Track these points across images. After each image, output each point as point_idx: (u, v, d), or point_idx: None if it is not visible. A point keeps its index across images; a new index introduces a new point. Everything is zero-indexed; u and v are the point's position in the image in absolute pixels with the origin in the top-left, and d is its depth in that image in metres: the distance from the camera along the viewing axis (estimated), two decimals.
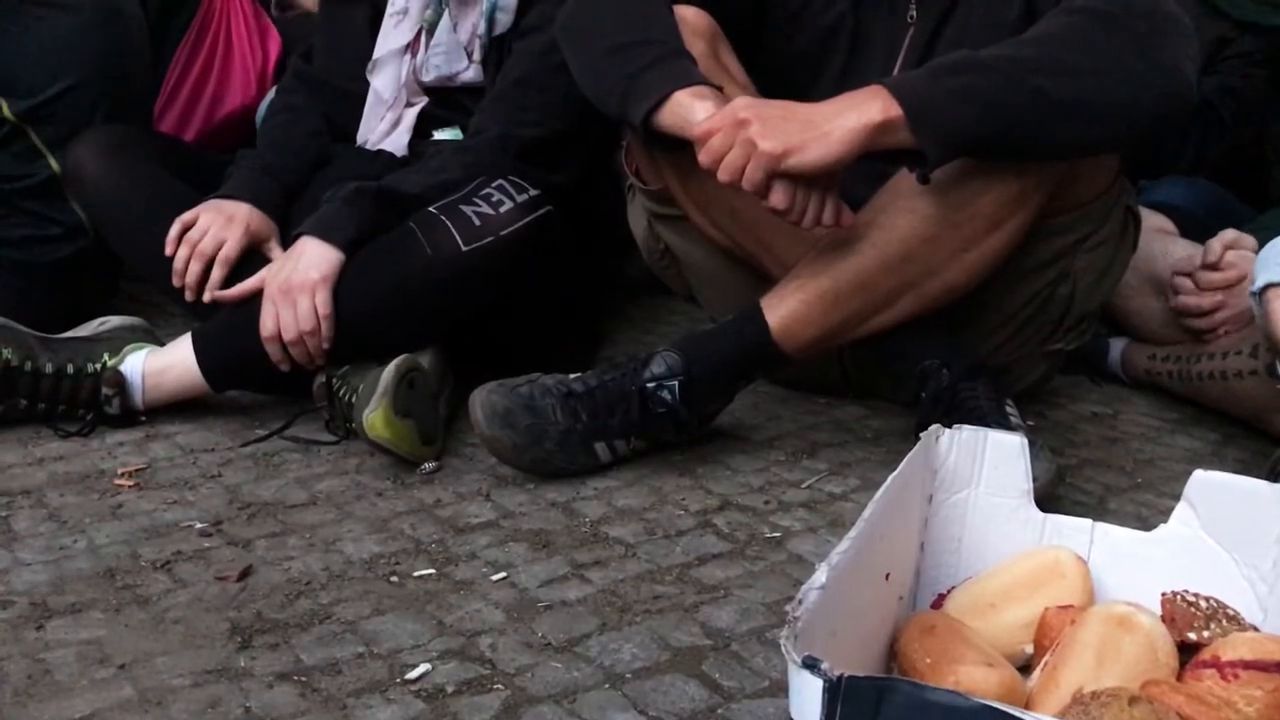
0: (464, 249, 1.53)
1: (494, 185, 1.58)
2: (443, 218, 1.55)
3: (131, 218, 1.71)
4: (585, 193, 1.82)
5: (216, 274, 1.63)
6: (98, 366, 1.55)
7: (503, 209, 1.55)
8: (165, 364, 1.57)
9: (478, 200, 1.56)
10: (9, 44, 1.78)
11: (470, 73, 1.76)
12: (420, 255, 1.54)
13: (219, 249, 1.62)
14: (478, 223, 1.54)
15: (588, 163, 1.78)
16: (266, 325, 1.53)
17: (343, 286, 1.54)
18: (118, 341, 1.58)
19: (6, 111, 1.79)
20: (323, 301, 1.52)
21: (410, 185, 1.60)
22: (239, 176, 1.72)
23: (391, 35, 1.78)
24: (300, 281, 1.52)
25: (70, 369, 1.54)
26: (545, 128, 1.68)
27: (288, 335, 1.53)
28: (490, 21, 1.73)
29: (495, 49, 1.74)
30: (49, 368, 1.53)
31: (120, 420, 1.56)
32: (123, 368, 1.55)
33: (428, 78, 1.77)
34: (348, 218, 1.56)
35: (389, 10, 1.79)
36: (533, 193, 1.58)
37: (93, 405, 1.54)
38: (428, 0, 1.76)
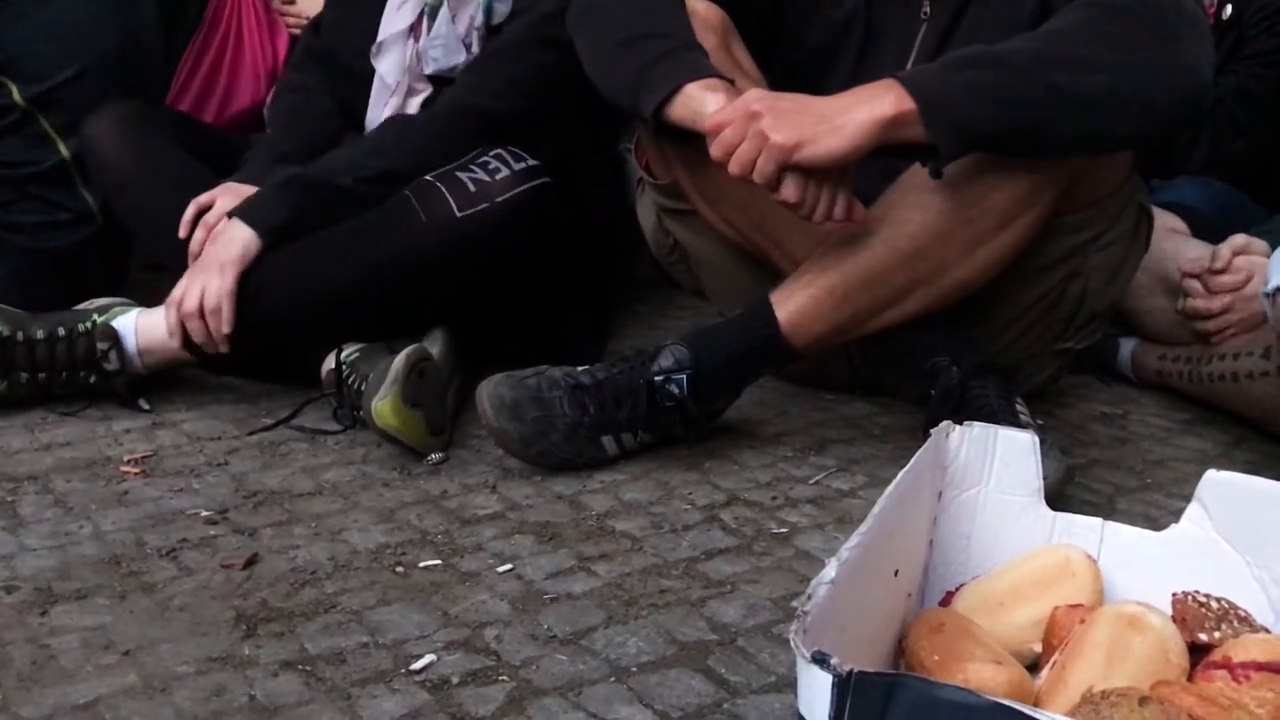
0: (459, 215, 1.53)
1: (491, 154, 1.57)
2: (439, 184, 1.55)
3: (146, 193, 1.71)
4: (590, 185, 1.81)
5: None
6: (88, 325, 1.56)
7: (499, 176, 1.54)
8: (156, 320, 1.58)
9: (474, 167, 1.56)
10: (20, 29, 1.78)
11: None
12: (415, 221, 1.54)
13: None
14: (473, 189, 1.54)
15: (567, 149, 1.75)
16: (174, 292, 1.55)
17: (337, 254, 1.54)
18: (105, 307, 1.60)
19: (17, 97, 1.79)
20: (227, 279, 1.53)
21: (344, 177, 1.60)
22: (256, 163, 1.72)
23: (394, 17, 1.76)
24: (213, 260, 1.54)
25: (61, 331, 1.55)
26: (506, 102, 1.65)
27: (185, 308, 1.53)
28: (488, 12, 1.72)
29: (492, 40, 1.73)
30: (40, 334, 1.54)
31: (117, 377, 1.55)
32: (114, 323, 1.56)
33: (428, 69, 1.76)
34: (276, 203, 1.57)
35: None
36: (530, 162, 1.57)
37: (91, 364, 1.55)
38: None
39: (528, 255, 1.60)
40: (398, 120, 1.72)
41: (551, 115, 1.70)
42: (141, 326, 1.58)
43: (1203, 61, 1.29)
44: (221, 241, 1.56)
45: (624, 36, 1.43)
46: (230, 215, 1.58)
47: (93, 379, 1.55)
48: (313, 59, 1.87)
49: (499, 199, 1.53)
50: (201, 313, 1.54)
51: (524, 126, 1.67)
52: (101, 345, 1.54)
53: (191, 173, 1.71)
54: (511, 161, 1.56)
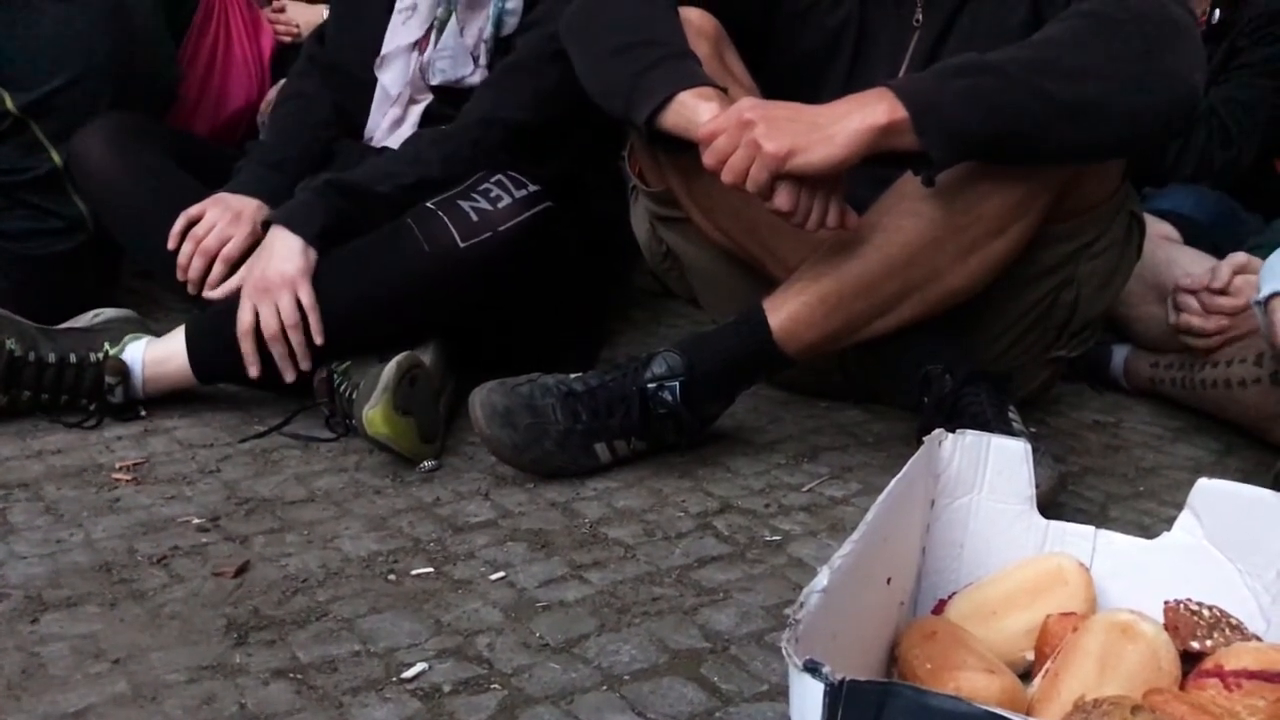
0: (461, 245, 1.52)
1: (492, 180, 1.57)
2: (440, 214, 1.54)
3: (136, 208, 1.70)
4: (589, 193, 1.81)
5: (218, 271, 1.62)
6: (100, 355, 1.55)
7: (501, 204, 1.54)
8: (164, 353, 1.57)
9: (475, 195, 1.55)
10: (13, 36, 1.78)
11: (476, 76, 1.75)
12: (417, 252, 1.53)
13: (223, 246, 1.61)
14: (475, 219, 1.53)
15: (576, 158, 1.76)
16: (243, 320, 1.53)
17: (337, 283, 1.53)
18: (116, 332, 1.58)
19: (9, 104, 1.78)
20: (306, 293, 1.51)
21: (382, 184, 1.59)
22: (248, 171, 1.71)
23: (400, 31, 1.76)
24: (278, 277, 1.51)
25: (73, 358, 1.54)
26: (532, 114, 1.66)
27: (268, 332, 1.52)
28: (498, 24, 1.72)
29: (501, 51, 1.73)
30: (52, 357, 1.53)
31: (122, 409, 1.55)
32: (124, 356, 1.55)
33: (434, 80, 1.76)
34: (316, 210, 1.55)
35: (398, 5, 1.78)
36: (532, 188, 1.57)
37: (96, 394, 1.54)
38: None
39: (530, 278, 1.60)
40: (428, 132, 1.71)
41: (572, 124, 1.70)
42: (149, 359, 1.57)
43: (1193, 69, 1.30)
44: (277, 257, 1.52)
45: (617, 44, 1.43)
46: (266, 224, 1.56)
47: (94, 406, 1.55)
48: (315, 66, 1.87)
49: (501, 228, 1.53)
50: (278, 333, 1.52)
51: (547, 136, 1.68)
52: (110, 380, 1.54)
53: (180, 185, 1.70)
54: (513, 189, 1.56)
